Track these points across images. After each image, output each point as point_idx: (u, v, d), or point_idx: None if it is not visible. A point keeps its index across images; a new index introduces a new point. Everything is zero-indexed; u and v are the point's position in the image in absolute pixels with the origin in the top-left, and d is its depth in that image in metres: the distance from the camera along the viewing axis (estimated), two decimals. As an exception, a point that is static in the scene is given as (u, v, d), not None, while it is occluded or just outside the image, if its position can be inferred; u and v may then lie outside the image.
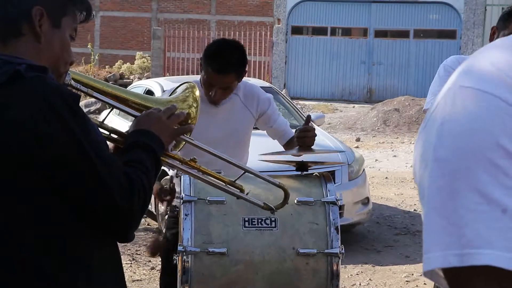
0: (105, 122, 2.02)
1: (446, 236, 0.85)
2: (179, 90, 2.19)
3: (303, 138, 3.04)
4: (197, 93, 2.15)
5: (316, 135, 3.09)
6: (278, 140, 3.48)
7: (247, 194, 2.33)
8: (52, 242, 1.59)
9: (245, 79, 3.48)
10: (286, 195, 2.50)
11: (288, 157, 3.36)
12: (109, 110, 2.02)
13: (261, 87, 3.64)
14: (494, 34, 3.25)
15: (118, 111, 2.04)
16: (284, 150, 3.42)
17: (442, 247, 0.85)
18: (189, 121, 2.05)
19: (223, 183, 2.23)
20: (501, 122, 0.84)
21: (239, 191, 2.27)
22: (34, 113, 1.52)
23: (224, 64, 3.15)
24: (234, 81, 3.22)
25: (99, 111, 13.91)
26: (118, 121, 6.72)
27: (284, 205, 2.52)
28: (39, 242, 1.58)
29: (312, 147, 3.06)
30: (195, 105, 2.10)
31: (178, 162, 2.03)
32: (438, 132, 0.89)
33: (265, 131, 3.51)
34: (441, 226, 0.86)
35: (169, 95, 2.22)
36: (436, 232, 0.86)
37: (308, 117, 3.19)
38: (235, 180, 2.26)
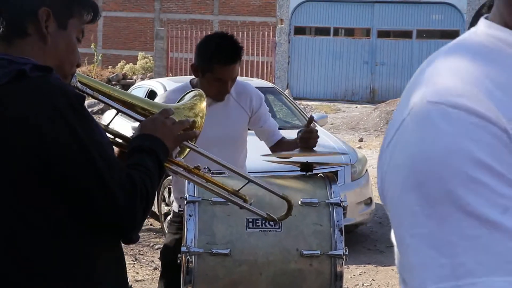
0: (110, 122, 2.02)
1: (437, 268, 0.77)
2: (187, 97, 2.17)
3: (306, 140, 3.03)
4: (205, 103, 2.13)
5: (318, 137, 3.08)
6: (266, 141, 3.44)
7: (250, 204, 2.31)
8: (53, 242, 1.59)
9: (245, 79, 3.47)
10: (290, 207, 2.47)
11: (293, 158, 3.34)
12: (114, 113, 2.02)
13: (263, 87, 3.64)
14: None
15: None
16: (281, 151, 3.39)
17: (434, 280, 0.77)
18: (194, 129, 2.04)
19: (227, 192, 2.21)
20: (478, 138, 0.78)
21: (242, 200, 2.26)
22: (38, 113, 1.52)
23: (229, 54, 3.17)
24: (238, 67, 3.25)
25: (101, 112, 13.92)
26: (120, 121, 6.71)
27: (288, 217, 2.49)
28: (39, 242, 1.58)
29: (314, 148, 3.05)
30: (201, 114, 2.09)
31: (182, 169, 2.02)
32: (411, 155, 0.81)
33: (253, 131, 3.50)
34: (430, 257, 0.78)
35: (178, 101, 2.21)
36: (425, 265, 0.78)
37: (311, 118, 3.17)
38: (239, 189, 2.25)
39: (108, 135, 1.87)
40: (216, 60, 3.15)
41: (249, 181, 2.26)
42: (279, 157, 3.28)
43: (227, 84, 3.20)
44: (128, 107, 2.00)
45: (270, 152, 3.23)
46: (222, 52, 3.16)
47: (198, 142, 2.07)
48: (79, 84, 1.81)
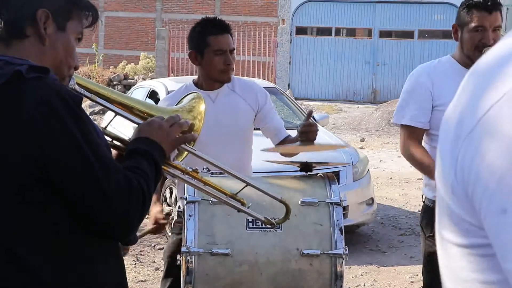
0: (112, 122, 2.02)
1: None
2: (185, 100, 2.17)
3: (306, 133, 3.01)
4: (203, 106, 2.13)
5: (318, 130, 3.07)
6: (272, 139, 3.43)
7: (248, 207, 2.30)
8: (50, 242, 1.58)
9: (248, 79, 3.47)
10: (288, 211, 2.46)
11: (293, 158, 3.33)
12: (112, 116, 2.01)
13: (265, 87, 3.63)
14: (457, 32, 3.28)
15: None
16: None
17: None
18: (193, 132, 2.03)
19: (225, 196, 2.20)
20: None
21: (240, 204, 2.25)
22: (34, 114, 1.52)
23: (218, 24, 3.30)
24: (232, 41, 3.34)
25: (103, 111, 13.92)
26: (122, 120, 6.70)
27: (286, 220, 2.48)
28: (35, 243, 1.57)
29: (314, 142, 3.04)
30: (199, 117, 2.08)
31: (179, 172, 2.01)
32: None
33: (260, 129, 3.49)
34: None
35: (176, 104, 2.20)
36: None
37: (310, 112, 3.16)
38: (237, 193, 2.24)
39: (106, 137, 1.87)
40: (209, 31, 3.25)
41: (247, 184, 2.25)
42: (281, 152, 3.27)
43: (228, 55, 3.24)
44: (127, 109, 1.99)
45: (270, 146, 3.21)
46: (212, 24, 3.29)
47: (204, 138, 2.05)
48: (77, 86, 1.80)
